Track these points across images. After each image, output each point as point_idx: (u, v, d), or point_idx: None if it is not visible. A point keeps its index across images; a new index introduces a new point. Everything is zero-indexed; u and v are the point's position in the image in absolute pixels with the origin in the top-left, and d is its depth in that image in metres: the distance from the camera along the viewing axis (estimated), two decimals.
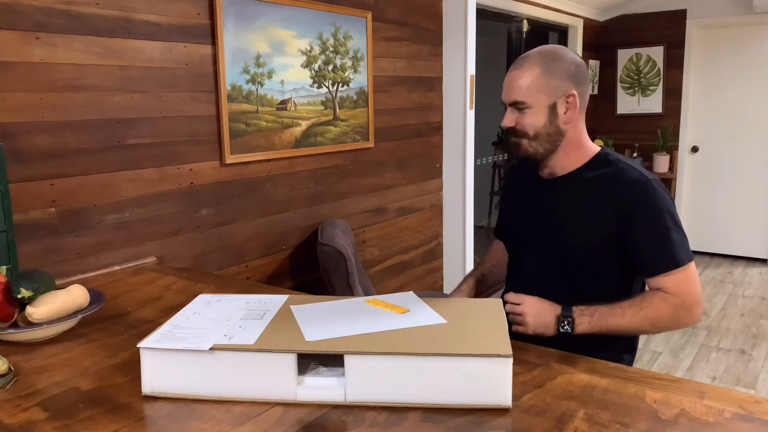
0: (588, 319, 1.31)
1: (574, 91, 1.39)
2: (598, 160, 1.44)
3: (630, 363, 1.47)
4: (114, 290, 1.65)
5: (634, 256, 1.36)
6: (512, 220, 1.60)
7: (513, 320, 1.33)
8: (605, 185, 1.39)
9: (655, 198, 1.35)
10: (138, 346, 1.01)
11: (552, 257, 1.44)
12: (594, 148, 1.47)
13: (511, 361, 0.95)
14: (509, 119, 1.42)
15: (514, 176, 1.66)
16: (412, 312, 1.15)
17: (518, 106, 1.40)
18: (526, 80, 1.38)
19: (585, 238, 1.40)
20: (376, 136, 2.97)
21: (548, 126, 1.40)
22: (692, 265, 1.34)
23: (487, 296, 1.72)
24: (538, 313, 1.32)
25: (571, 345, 1.25)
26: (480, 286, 1.69)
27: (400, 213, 3.21)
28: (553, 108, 1.39)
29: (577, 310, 1.31)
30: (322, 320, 1.12)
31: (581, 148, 1.45)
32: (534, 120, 1.39)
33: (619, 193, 1.37)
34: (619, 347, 1.46)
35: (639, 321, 1.30)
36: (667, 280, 1.32)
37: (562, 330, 1.31)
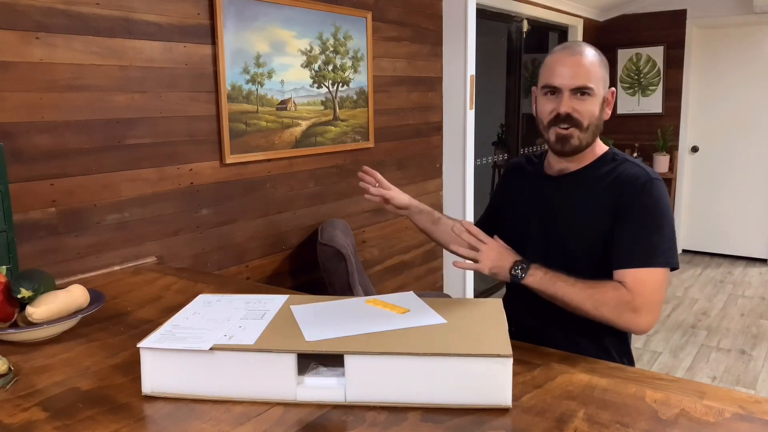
0: (542, 273, 1.30)
1: (613, 88, 1.42)
2: (605, 158, 1.43)
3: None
4: (114, 290, 1.65)
5: (611, 245, 1.32)
6: (514, 219, 1.56)
7: (473, 256, 1.35)
8: (607, 184, 1.37)
9: (651, 196, 1.31)
10: (138, 346, 1.01)
11: (556, 256, 1.39)
12: (603, 147, 1.46)
13: (511, 361, 0.95)
14: (568, 105, 1.35)
15: (516, 174, 1.62)
16: (412, 312, 1.15)
17: (584, 91, 1.35)
18: (594, 67, 1.35)
19: (587, 238, 1.38)
20: (376, 136, 2.98)
21: (598, 118, 1.39)
22: (664, 272, 1.28)
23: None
24: (499, 254, 1.33)
25: (570, 348, 1.25)
26: (426, 220, 1.67)
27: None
28: (603, 101, 1.39)
29: (534, 264, 1.32)
30: (322, 320, 1.12)
31: (594, 146, 1.44)
32: (593, 108, 1.36)
33: (618, 190, 1.35)
34: (614, 352, 1.44)
35: (584, 296, 1.27)
36: (627, 274, 1.28)
37: (513, 273, 1.31)
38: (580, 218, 1.40)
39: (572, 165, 1.44)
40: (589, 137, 1.39)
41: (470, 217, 3.51)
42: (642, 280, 1.26)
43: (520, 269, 1.31)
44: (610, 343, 1.43)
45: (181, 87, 2.07)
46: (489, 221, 1.65)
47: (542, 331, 1.39)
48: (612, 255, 1.32)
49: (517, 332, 1.16)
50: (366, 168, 1.65)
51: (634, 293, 1.25)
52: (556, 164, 1.47)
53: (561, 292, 1.29)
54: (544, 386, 1.05)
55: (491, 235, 1.39)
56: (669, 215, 1.33)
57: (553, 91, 1.37)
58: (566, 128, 1.37)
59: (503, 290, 1.64)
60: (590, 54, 1.37)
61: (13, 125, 1.67)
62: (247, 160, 2.33)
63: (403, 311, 1.16)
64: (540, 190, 1.49)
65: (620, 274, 1.29)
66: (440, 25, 3.35)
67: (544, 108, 1.40)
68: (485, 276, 1.38)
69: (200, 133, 2.16)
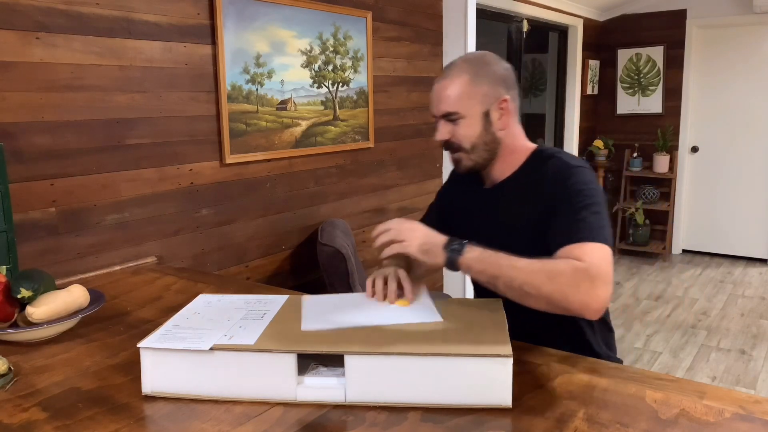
0: (480, 250, 1.16)
1: (507, 96, 1.34)
2: (533, 160, 1.38)
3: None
4: (114, 290, 1.65)
5: (548, 236, 1.23)
6: (453, 232, 1.54)
7: (396, 238, 1.22)
8: (537, 184, 1.32)
9: (577, 181, 1.25)
10: (138, 346, 1.01)
11: None
12: (528, 148, 1.40)
13: (511, 361, 0.95)
14: (443, 132, 1.34)
15: (455, 185, 1.57)
16: (413, 306, 1.15)
17: (451, 117, 1.33)
18: (455, 89, 1.31)
19: (527, 245, 1.27)
20: (376, 136, 2.98)
21: (484, 135, 1.33)
22: (605, 247, 1.16)
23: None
24: (426, 231, 1.21)
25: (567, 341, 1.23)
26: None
27: (400, 213, 3.21)
28: (486, 116, 1.33)
29: (471, 243, 1.18)
30: (324, 311, 1.13)
31: (517, 151, 1.38)
32: (469, 131, 1.33)
33: (546, 189, 1.29)
34: (604, 351, 1.43)
35: (534, 270, 1.11)
36: (573, 249, 1.15)
37: (449, 251, 1.17)
38: (517, 225, 1.34)
39: (498, 175, 1.40)
40: (481, 155, 1.35)
41: None
42: (590, 251, 1.14)
43: (457, 246, 1.17)
44: (592, 338, 1.40)
45: (181, 87, 2.07)
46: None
47: (537, 325, 1.37)
48: (551, 242, 1.22)
49: (515, 330, 1.15)
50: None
51: (587, 262, 1.12)
52: (486, 177, 1.43)
53: (506, 267, 1.13)
54: (545, 386, 1.05)
55: None
56: (599, 198, 1.25)
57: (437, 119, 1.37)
58: (453, 153, 1.37)
59: None
60: (458, 75, 1.32)
61: (14, 125, 1.67)
62: (247, 160, 2.33)
63: (404, 303, 1.16)
64: (477, 202, 1.45)
65: (565, 251, 1.16)
66: (440, 25, 3.35)
67: None
68: None
69: (200, 133, 2.16)
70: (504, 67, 1.37)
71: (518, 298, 1.14)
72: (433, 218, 1.59)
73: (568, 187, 1.25)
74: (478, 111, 1.32)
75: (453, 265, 1.18)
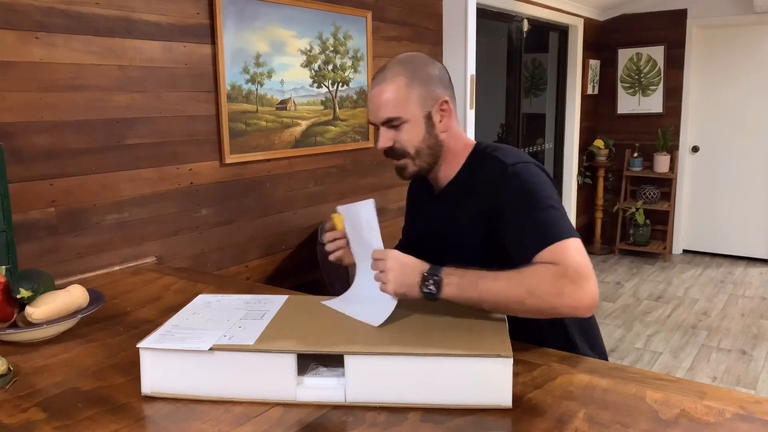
0: (457, 280, 1.10)
1: (446, 97, 1.29)
2: (471, 160, 1.33)
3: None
4: (113, 290, 1.65)
5: (508, 245, 1.19)
6: (411, 240, 1.49)
7: (378, 278, 1.15)
8: (476, 188, 1.28)
9: (515, 183, 1.21)
10: (138, 346, 1.01)
11: None
12: (469, 146, 1.35)
13: (511, 361, 0.95)
14: (385, 139, 1.28)
15: (414, 191, 1.54)
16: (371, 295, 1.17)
17: (392, 123, 1.27)
18: (393, 93, 1.25)
19: (476, 251, 1.26)
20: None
21: (427, 138, 1.28)
22: (573, 240, 1.12)
23: None
24: (402, 269, 1.12)
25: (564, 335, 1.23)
26: None
27: (400, 213, 3.20)
28: (428, 118, 1.28)
29: (446, 271, 1.11)
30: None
31: (458, 153, 1.34)
32: (412, 135, 1.27)
33: (488, 192, 1.24)
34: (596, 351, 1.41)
35: (514, 285, 1.07)
36: (542, 255, 1.11)
37: (425, 291, 1.10)
38: (465, 233, 1.30)
39: (443, 179, 1.36)
40: (426, 159, 1.31)
41: None
42: (561, 251, 1.10)
43: (433, 283, 1.10)
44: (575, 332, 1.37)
45: (180, 87, 2.07)
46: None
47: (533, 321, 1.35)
48: (514, 251, 1.18)
49: (513, 327, 1.14)
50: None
51: (562, 264, 1.08)
52: (433, 182, 1.39)
53: (486, 292, 1.09)
54: (545, 386, 1.05)
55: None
56: (546, 191, 1.21)
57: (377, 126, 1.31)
58: (397, 160, 1.32)
59: None
60: (394, 79, 1.26)
61: (13, 125, 1.67)
62: (247, 160, 2.33)
63: (339, 218, 1.31)
64: (426, 208, 1.43)
65: (537, 258, 1.12)
66: (440, 25, 3.35)
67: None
68: None
69: (200, 133, 2.16)
70: (439, 67, 1.33)
71: (508, 314, 1.13)
72: (407, 223, 1.59)
73: (511, 190, 1.20)
74: (420, 114, 1.27)
75: (433, 301, 1.12)
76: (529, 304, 1.07)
